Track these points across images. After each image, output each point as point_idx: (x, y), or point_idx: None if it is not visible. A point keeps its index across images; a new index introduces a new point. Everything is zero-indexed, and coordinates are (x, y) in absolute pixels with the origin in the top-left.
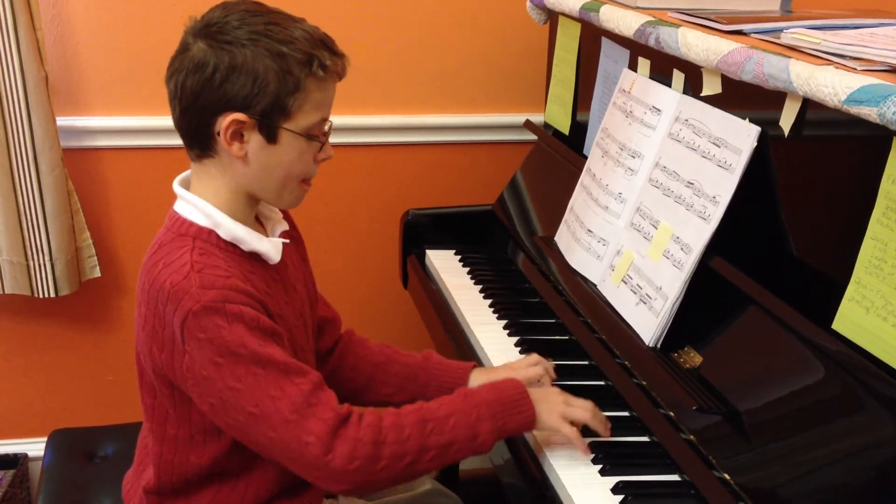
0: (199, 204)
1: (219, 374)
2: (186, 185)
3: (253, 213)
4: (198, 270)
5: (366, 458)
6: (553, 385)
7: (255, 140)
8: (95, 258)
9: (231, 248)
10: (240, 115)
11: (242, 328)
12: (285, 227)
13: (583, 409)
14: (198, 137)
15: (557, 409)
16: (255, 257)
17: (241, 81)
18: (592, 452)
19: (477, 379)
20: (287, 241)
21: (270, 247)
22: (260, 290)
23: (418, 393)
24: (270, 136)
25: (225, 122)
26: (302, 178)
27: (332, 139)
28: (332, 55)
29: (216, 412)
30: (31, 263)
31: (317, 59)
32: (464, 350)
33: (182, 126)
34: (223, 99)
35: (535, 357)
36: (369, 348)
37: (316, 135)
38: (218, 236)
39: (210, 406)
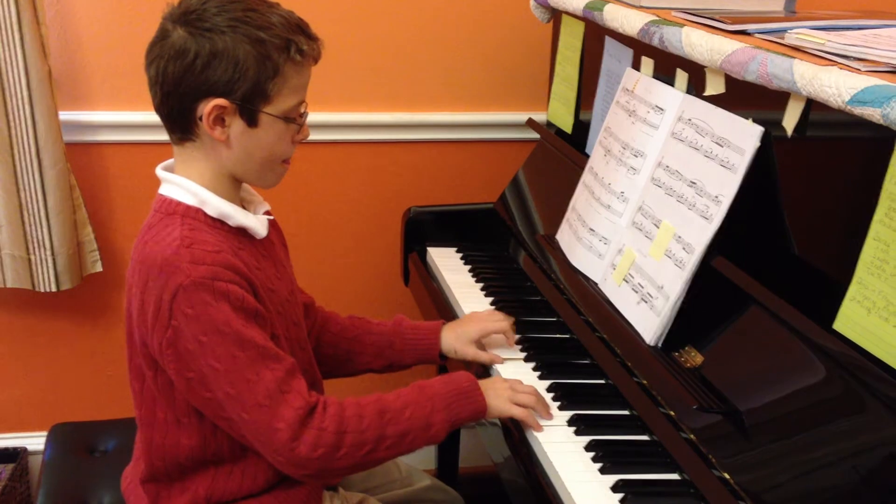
0: (184, 184)
1: (201, 351)
2: (169, 171)
3: (237, 195)
4: (187, 245)
5: (328, 447)
6: (545, 378)
7: (236, 124)
8: (97, 253)
9: (219, 224)
10: (221, 101)
11: (227, 306)
12: (267, 207)
13: (527, 394)
14: (179, 122)
15: (505, 394)
16: (242, 233)
17: (223, 68)
18: (592, 451)
19: (447, 336)
20: (272, 217)
21: (256, 222)
22: (250, 265)
23: (396, 359)
24: (251, 121)
25: (207, 107)
26: (282, 159)
27: (333, 136)
28: (309, 39)
29: (192, 387)
30: (32, 258)
31: (294, 43)
32: None
33: (164, 111)
34: (205, 85)
35: (499, 314)
36: (341, 323)
37: (293, 117)
38: (205, 214)
39: (186, 381)
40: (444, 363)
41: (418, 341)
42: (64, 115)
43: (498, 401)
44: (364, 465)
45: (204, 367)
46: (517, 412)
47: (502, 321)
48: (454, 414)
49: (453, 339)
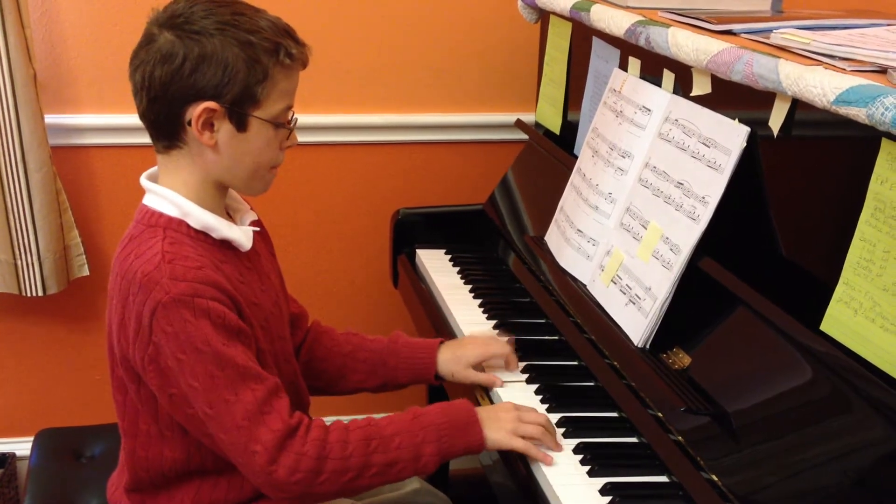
0: (167, 195)
1: (179, 369)
2: (153, 179)
3: (222, 204)
4: (168, 261)
5: (308, 472)
6: (533, 382)
7: (225, 129)
8: (84, 257)
9: (202, 237)
10: (211, 104)
11: (208, 324)
12: (254, 216)
13: (534, 426)
14: (166, 128)
15: (508, 426)
16: (226, 246)
17: (212, 71)
18: (580, 453)
19: (444, 357)
20: (257, 228)
21: (241, 234)
22: (233, 279)
23: (390, 376)
24: (240, 125)
25: (196, 110)
26: (270, 166)
27: (323, 138)
28: (297, 44)
29: (175, 403)
30: (18, 262)
31: (283, 47)
32: None
33: (150, 117)
34: (193, 88)
35: (499, 338)
36: (336, 339)
37: (283, 122)
38: (188, 226)
39: (169, 397)
40: (440, 384)
41: (414, 359)
42: (49, 119)
43: (498, 434)
44: (349, 491)
45: (184, 385)
46: (518, 444)
47: (503, 345)
48: (445, 447)
49: (452, 363)
